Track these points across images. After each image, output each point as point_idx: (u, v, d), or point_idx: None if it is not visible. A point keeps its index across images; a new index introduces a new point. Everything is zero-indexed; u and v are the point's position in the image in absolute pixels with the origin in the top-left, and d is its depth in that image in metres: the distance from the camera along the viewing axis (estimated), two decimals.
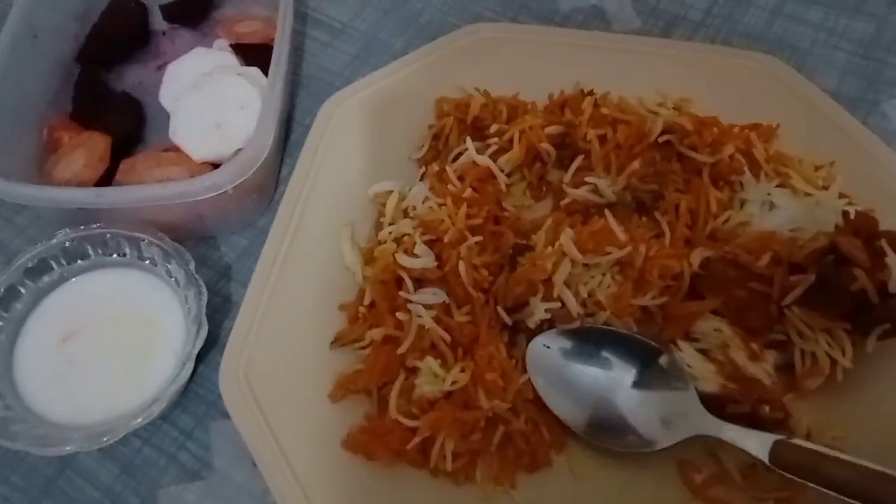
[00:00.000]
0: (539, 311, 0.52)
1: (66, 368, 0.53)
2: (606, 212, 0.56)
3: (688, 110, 0.63)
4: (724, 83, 0.66)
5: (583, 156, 0.60)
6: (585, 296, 0.54)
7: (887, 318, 0.49)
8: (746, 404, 0.50)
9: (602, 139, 0.60)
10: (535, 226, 0.58)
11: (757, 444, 0.47)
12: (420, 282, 0.56)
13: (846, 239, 0.50)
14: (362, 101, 0.66)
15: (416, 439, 0.50)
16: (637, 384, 0.52)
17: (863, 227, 0.51)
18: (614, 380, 0.52)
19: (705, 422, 0.49)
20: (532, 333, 0.54)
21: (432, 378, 0.51)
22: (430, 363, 0.52)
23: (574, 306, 0.53)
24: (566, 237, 0.54)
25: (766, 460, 0.46)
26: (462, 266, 0.54)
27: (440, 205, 0.58)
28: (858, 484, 0.44)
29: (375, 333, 0.54)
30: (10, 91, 0.61)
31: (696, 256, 0.54)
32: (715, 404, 0.51)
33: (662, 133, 0.59)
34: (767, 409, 0.50)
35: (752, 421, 0.50)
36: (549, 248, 0.55)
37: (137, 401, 0.51)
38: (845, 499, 0.44)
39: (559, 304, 0.53)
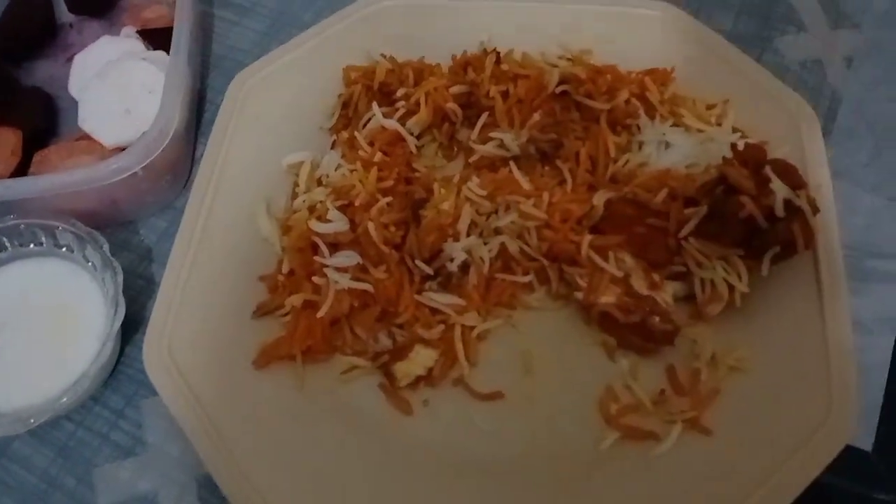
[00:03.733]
0: (458, 253, 0.54)
1: None
2: (511, 163, 0.58)
3: (586, 61, 0.65)
4: (625, 33, 0.67)
5: (487, 113, 0.62)
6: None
7: (777, 241, 0.52)
8: (638, 314, 0.53)
9: (504, 95, 0.62)
10: (445, 183, 0.59)
11: None
12: (335, 246, 0.57)
13: (732, 169, 0.52)
14: (271, 75, 0.66)
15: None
16: None
17: (751, 158, 0.54)
18: None
19: None
20: (453, 282, 0.56)
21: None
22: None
23: (484, 250, 0.56)
24: (472, 183, 0.56)
25: None
26: (371, 225, 0.56)
27: (351, 171, 0.60)
28: None
29: (295, 300, 0.56)
30: None
31: (599, 199, 0.56)
32: (610, 318, 0.54)
33: (559, 84, 0.61)
34: (658, 319, 0.53)
35: (643, 332, 0.53)
36: (444, 194, 0.57)
37: (63, 384, 0.52)
38: None
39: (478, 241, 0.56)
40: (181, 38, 0.61)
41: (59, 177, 0.55)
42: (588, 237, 0.55)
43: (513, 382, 0.55)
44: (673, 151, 0.58)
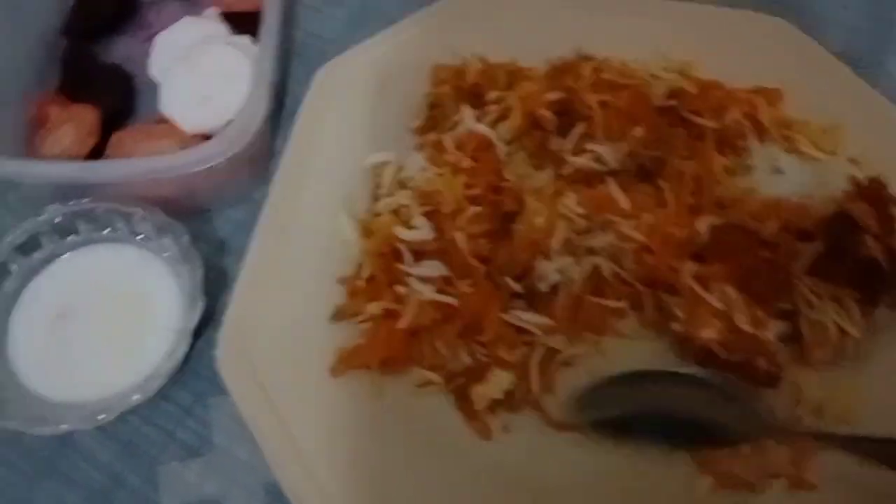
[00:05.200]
0: (551, 273, 0.52)
1: (59, 347, 0.52)
2: (609, 179, 0.55)
3: (691, 74, 0.61)
4: (730, 46, 0.64)
5: (584, 123, 0.58)
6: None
7: None
8: (742, 353, 0.49)
9: (604, 105, 0.58)
10: (538, 197, 0.56)
11: None
12: (419, 254, 0.55)
13: (856, 205, 0.49)
14: (357, 69, 0.64)
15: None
16: None
17: (872, 193, 0.50)
18: None
19: None
20: (540, 301, 0.53)
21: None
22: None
23: (576, 270, 0.53)
24: (569, 199, 0.53)
25: None
26: (460, 236, 0.53)
27: (438, 175, 0.57)
28: None
29: (374, 307, 0.53)
30: None
31: (703, 224, 0.53)
32: (708, 354, 0.51)
33: (666, 98, 0.57)
34: (763, 360, 0.50)
35: (744, 372, 0.50)
36: (538, 208, 0.54)
37: (133, 378, 0.50)
38: None
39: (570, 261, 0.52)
40: (270, 27, 0.58)
41: (140, 163, 0.53)
42: (690, 265, 0.52)
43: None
44: (785, 179, 0.55)
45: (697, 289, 0.51)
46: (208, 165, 0.53)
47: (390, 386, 0.53)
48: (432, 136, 0.60)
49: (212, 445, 0.53)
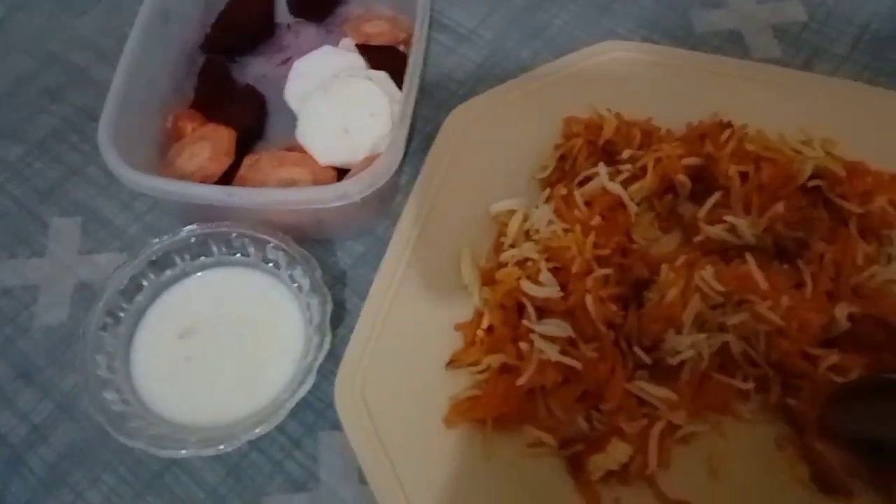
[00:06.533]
0: (684, 348, 0.50)
1: (182, 365, 0.53)
2: (748, 256, 0.53)
3: (834, 152, 0.59)
4: (871, 125, 0.62)
5: (721, 192, 0.57)
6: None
7: None
8: None
9: (744, 177, 0.57)
10: (666, 261, 0.55)
11: None
12: (541, 311, 0.54)
13: None
14: (488, 113, 0.64)
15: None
16: None
17: None
18: None
19: None
20: (662, 372, 0.52)
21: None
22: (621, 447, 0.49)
23: (704, 346, 0.51)
24: (708, 273, 0.52)
25: None
26: (590, 299, 0.52)
27: (566, 230, 0.56)
28: None
29: (493, 360, 0.53)
30: (140, 75, 0.61)
31: (842, 311, 0.51)
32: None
33: (812, 178, 0.56)
34: None
35: None
36: (673, 279, 0.53)
37: (251, 406, 0.51)
38: None
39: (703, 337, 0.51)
40: (415, 71, 0.58)
41: (281, 193, 0.54)
42: (834, 356, 0.50)
43: (709, 495, 0.50)
44: None
45: (834, 378, 0.50)
46: (347, 202, 0.53)
47: (500, 442, 0.52)
48: (560, 189, 0.59)
49: (318, 481, 0.52)
